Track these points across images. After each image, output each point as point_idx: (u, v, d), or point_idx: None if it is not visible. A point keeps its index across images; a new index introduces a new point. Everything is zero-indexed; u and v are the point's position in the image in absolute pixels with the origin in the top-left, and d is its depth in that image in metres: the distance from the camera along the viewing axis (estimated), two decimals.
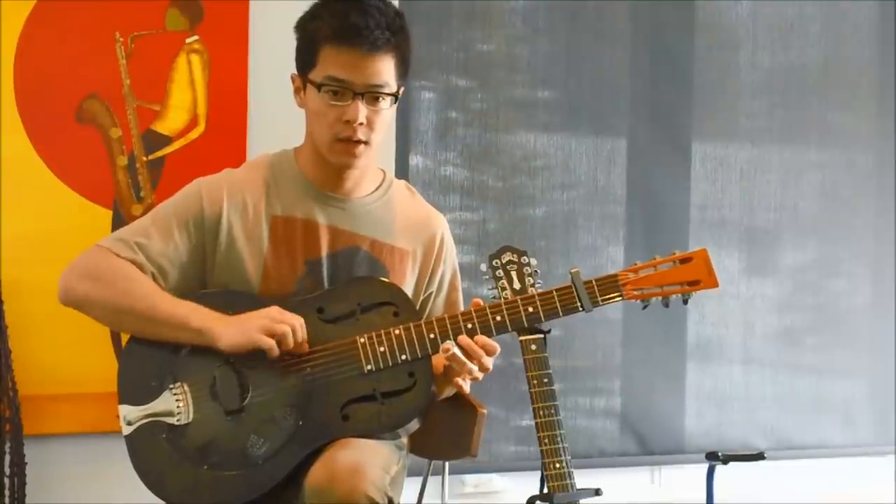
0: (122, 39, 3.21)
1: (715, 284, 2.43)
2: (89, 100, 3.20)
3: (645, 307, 2.43)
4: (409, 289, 2.52)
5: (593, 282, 2.39)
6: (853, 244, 4.23)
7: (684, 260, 2.44)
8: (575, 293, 2.38)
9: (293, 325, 2.33)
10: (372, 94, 2.37)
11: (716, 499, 3.12)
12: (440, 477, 3.20)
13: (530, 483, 3.17)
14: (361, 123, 2.36)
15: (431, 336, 2.35)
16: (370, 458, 2.28)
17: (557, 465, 2.60)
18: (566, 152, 3.85)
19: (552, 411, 2.60)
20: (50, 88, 3.15)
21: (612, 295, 2.39)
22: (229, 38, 3.29)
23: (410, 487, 2.74)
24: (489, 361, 2.37)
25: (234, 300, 2.41)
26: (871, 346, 4.26)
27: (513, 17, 3.77)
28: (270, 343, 2.32)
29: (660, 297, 2.43)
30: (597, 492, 2.68)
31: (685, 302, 2.45)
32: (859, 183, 4.23)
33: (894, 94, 4.23)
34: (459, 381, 2.37)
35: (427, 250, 2.55)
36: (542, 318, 2.39)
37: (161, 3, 3.24)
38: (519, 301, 2.38)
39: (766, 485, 4.01)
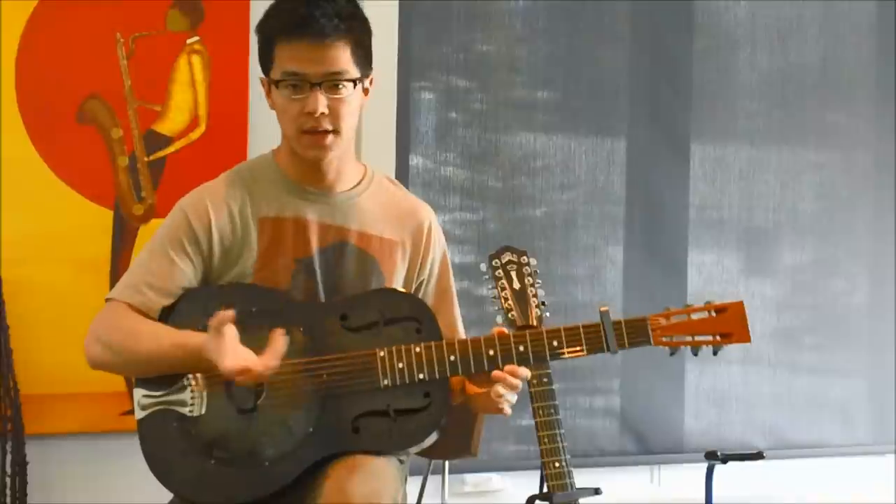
0: (123, 40, 3.21)
1: (747, 339, 2.36)
2: (90, 100, 3.20)
3: (672, 354, 2.36)
4: (400, 278, 2.50)
5: (622, 323, 2.33)
6: (852, 244, 4.23)
7: (719, 310, 2.37)
8: (602, 333, 2.33)
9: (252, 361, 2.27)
10: (330, 83, 2.35)
11: (715, 498, 3.12)
12: (440, 476, 3.20)
13: (530, 482, 3.17)
14: (323, 113, 2.35)
15: (452, 358, 2.32)
16: (383, 487, 2.27)
17: (557, 465, 2.60)
18: (566, 153, 3.85)
19: (552, 410, 2.61)
20: (51, 89, 3.15)
21: (639, 339, 2.33)
22: (230, 38, 3.29)
23: (410, 487, 2.74)
24: (520, 384, 2.36)
25: (259, 295, 2.39)
26: (870, 345, 4.27)
27: (513, 18, 3.78)
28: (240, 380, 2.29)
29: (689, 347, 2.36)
30: (596, 491, 2.69)
31: (714, 353, 2.37)
32: (858, 183, 4.24)
33: (893, 95, 4.23)
34: (508, 410, 2.35)
35: (416, 239, 2.54)
36: (566, 354, 2.34)
37: (162, 3, 3.25)
38: (544, 333, 2.34)
39: (765, 484, 4.01)
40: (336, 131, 2.37)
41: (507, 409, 2.35)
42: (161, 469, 2.35)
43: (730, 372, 4.06)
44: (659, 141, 3.97)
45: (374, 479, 2.27)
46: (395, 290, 2.45)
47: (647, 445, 3.95)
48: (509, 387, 2.31)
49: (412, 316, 2.37)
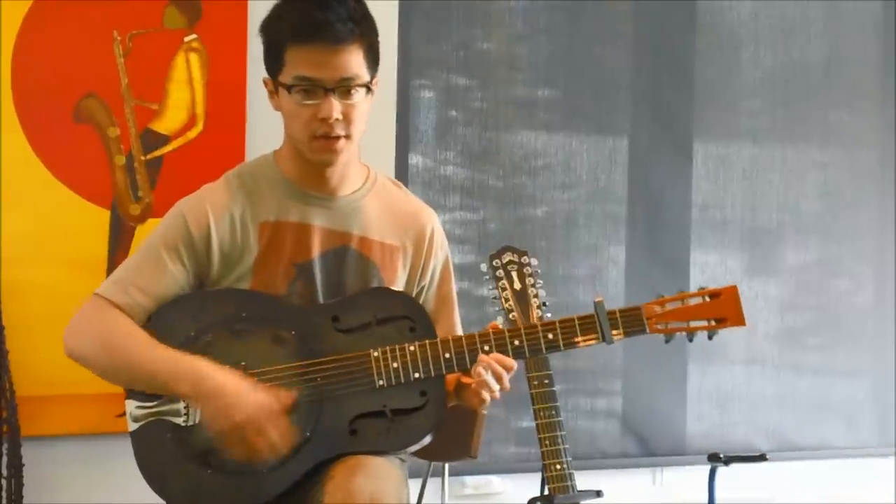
0: (120, 38, 3.20)
1: (742, 323, 2.36)
2: (87, 99, 3.19)
3: (668, 341, 2.37)
4: (400, 284, 2.49)
5: (617, 313, 2.34)
6: (856, 244, 4.22)
7: (713, 295, 2.37)
8: (597, 323, 2.33)
9: (272, 444, 2.28)
10: (344, 88, 2.33)
11: (717, 500, 3.11)
12: (440, 478, 3.18)
13: (531, 484, 3.15)
14: (337, 119, 2.33)
15: (447, 356, 2.30)
16: (387, 486, 2.26)
17: (558, 467, 2.58)
18: (567, 152, 3.83)
19: (553, 412, 2.59)
20: (48, 88, 3.14)
21: (635, 328, 2.34)
22: (228, 36, 3.27)
23: (410, 489, 2.73)
24: (508, 380, 2.34)
25: (248, 300, 2.37)
26: (874, 346, 4.25)
27: (513, 15, 3.77)
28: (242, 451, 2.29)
29: (685, 333, 2.36)
30: (598, 493, 2.67)
31: (710, 338, 2.38)
32: (862, 182, 4.23)
33: None
34: (486, 396, 2.33)
35: (417, 244, 2.52)
36: (562, 347, 2.34)
37: (159, 1, 3.23)
38: (539, 327, 2.34)
39: (768, 486, 3.99)
40: (348, 136, 2.35)
41: (486, 395, 2.31)
42: (157, 480, 2.33)
43: (733, 373, 4.05)
44: (661, 140, 3.95)
45: (377, 478, 2.26)
46: (386, 289, 2.43)
47: (649, 447, 3.93)
48: (492, 371, 2.28)
49: (405, 314, 2.36)
